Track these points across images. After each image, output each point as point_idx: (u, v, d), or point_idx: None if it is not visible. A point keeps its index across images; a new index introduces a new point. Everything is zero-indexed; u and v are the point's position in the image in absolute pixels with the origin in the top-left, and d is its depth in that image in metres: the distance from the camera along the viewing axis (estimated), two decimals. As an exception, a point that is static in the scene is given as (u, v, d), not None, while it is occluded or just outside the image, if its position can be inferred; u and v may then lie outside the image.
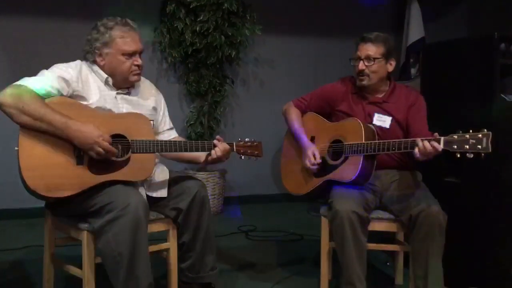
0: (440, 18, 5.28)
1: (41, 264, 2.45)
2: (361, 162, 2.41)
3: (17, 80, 2.13)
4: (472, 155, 2.06)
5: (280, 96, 3.69)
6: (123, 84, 2.34)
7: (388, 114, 2.60)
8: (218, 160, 2.38)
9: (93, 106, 2.22)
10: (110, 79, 2.30)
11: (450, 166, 2.54)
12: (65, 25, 4.19)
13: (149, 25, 4.42)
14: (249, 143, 2.46)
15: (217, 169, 4.40)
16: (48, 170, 2.07)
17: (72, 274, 2.32)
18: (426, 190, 2.53)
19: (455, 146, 2.09)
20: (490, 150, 2.03)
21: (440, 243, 2.31)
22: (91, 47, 2.28)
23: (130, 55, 2.28)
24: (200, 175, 4.27)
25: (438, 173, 2.76)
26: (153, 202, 2.34)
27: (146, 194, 2.32)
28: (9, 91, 2.07)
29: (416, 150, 2.20)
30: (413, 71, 4.88)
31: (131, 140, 2.21)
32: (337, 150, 2.57)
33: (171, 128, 2.58)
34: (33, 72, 2.20)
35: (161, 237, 2.43)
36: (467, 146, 2.06)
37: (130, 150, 2.20)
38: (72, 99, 2.20)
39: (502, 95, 2.61)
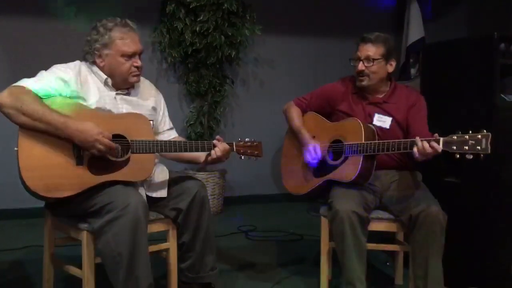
0: (440, 18, 5.28)
1: (41, 264, 2.45)
2: (361, 162, 2.41)
3: (17, 81, 2.13)
4: (471, 156, 2.06)
5: (280, 96, 3.69)
6: (122, 85, 2.34)
7: (388, 114, 2.60)
8: (218, 160, 2.38)
9: (93, 107, 2.22)
10: (109, 80, 2.30)
11: (450, 166, 2.54)
12: (65, 25, 4.18)
13: (149, 25, 4.42)
14: (249, 143, 2.46)
15: (217, 169, 4.40)
16: (48, 170, 2.07)
17: (72, 274, 2.32)
18: (426, 190, 2.53)
19: (454, 147, 2.09)
20: (489, 151, 2.03)
21: (440, 243, 2.31)
22: (90, 48, 2.28)
23: (130, 56, 2.28)
24: (200, 175, 4.27)
25: (438, 173, 2.76)
26: (153, 202, 2.34)
27: (146, 194, 2.32)
28: (7, 92, 2.07)
29: (415, 149, 2.20)
30: (413, 71, 4.88)
31: (131, 140, 2.21)
32: (337, 150, 2.57)
33: (171, 128, 2.58)
34: (33, 73, 2.20)
35: (161, 237, 2.43)
36: (466, 147, 2.06)
37: (130, 150, 2.20)
38: (71, 99, 2.20)
39: (502, 95, 2.61)
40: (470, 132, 2.08)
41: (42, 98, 2.11)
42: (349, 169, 2.46)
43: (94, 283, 2.21)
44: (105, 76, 2.29)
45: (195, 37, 4.27)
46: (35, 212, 3.03)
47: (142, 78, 2.44)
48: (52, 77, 2.16)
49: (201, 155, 2.44)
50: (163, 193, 2.39)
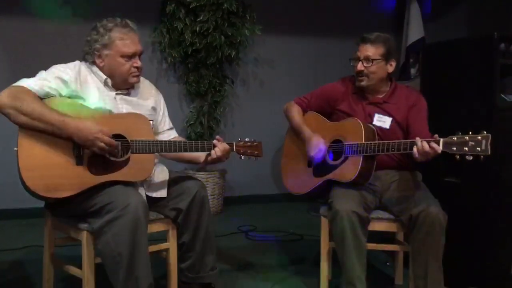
0: (440, 18, 5.28)
1: (41, 264, 2.45)
2: (361, 162, 2.41)
3: (17, 80, 2.13)
4: (471, 157, 2.06)
5: (280, 96, 3.69)
6: (122, 85, 2.34)
7: (388, 114, 2.60)
8: (218, 160, 2.38)
9: (93, 107, 2.22)
10: (109, 80, 2.30)
11: (450, 166, 2.54)
12: (65, 25, 4.18)
13: (149, 25, 4.42)
14: (249, 143, 2.46)
15: (217, 169, 4.40)
16: (48, 170, 2.07)
17: (72, 274, 2.32)
18: (426, 190, 2.53)
19: (454, 148, 2.09)
20: (489, 153, 2.03)
21: (440, 243, 2.31)
22: (90, 48, 2.27)
23: (130, 57, 2.28)
24: (200, 175, 4.26)
25: (438, 173, 2.76)
26: (152, 202, 2.34)
27: (146, 194, 2.32)
28: (7, 92, 2.07)
29: (415, 150, 2.20)
30: (412, 71, 4.88)
31: (131, 140, 2.21)
32: (337, 150, 2.57)
33: (170, 128, 2.58)
34: (33, 73, 2.20)
35: (161, 237, 2.43)
36: (466, 148, 2.06)
37: (130, 150, 2.20)
38: (71, 99, 2.20)
39: (502, 95, 2.61)
40: (470, 133, 2.08)
41: (41, 98, 2.11)
42: (349, 169, 2.46)
43: (94, 283, 2.21)
44: (105, 76, 2.29)
45: (195, 37, 4.27)
46: (35, 212, 3.03)
47: (142, 78, 2.44)
48: (52, 77, 2.16)
49: (201, 155, 2.44)
50: (163, 193, 2.39)
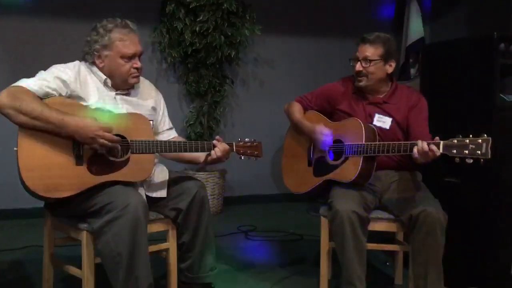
0: (440, 18, 5.28)
1: (41, 264, 2.45)
2: (361, 162, 2.41)
3: (17, 80, 2.13)
4: (471, 161, 2.06)
5: (280, 96, 3.69)
6: (122, 85, 2.34)
7: (389, 115, 2.59)
8: (218, 160, 2.38)
9: (93, 107, 2.22)
10: (108, 80, 2.30)
11: (450, 166, 2.54)
12: (65, 25, 4.19)
13: (148, 25, 4.42)
14: (248, 143, 2.46)
15: (217, 169, 4.39)
16: (48, 170, 2.07)
17: (72, 274, 2.32)
18: (426, 190, 2.53)
19: (455, 151, 2.09)
20: (489, 156, 2.03)
21: (440, 243, 2.31)
22: (90, 48, 2.27)
23: (130, 58, 2.28)
24: (200, 175, 4.26)
25: (438, 173, 2.76)
26: (152, 202, 2.34)
27: (146, 194, 2.32)
28: (6, 92, 2.07)
29: (415, 151, 2.20)
30: (412, 71, 4.88)
31: (131, 141, 2.21)
32: (338, 150, 2.57)
33: (170, 128, 2.58)
34: (33, 73, 2.20)
35: (161, 237, 2.43)
36: (466, 151, 2.06)
37: (130, 151, 2.20)
38: (71, 99, 2.20)
39: (502, 95, 2.61)
40: (471, 136, 2.07)
41: (41, 98, 2.11)
42: (349, 170, 2.46)
43: (94, 283, 2.21)
44: (105, 77, 2.29)
45: (194, 37, 4.27)
46: (35, 212, 3.03)
47: (141, 78, 2.44)
48: (51, 77, 2.16)
49: (201, 155, 2.44)
50: (162, 193, 2.39)
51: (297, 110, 2.78)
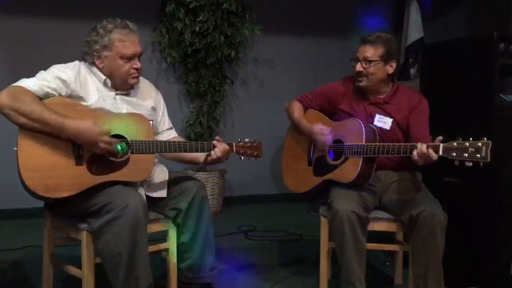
0: (440, 18, 5.28)
1: (41, 264, 2.45)
2: (360, 163, 2.40)
3: (17, 80, 2.13)
4: (471, 164, 2.06)
5: (280, 96, 3.68)
6: (121, 86, 2.33)
7: (389, 115, 2.59)
8: (218, 160, 2.38)
9: (92, 107, 2.22)
10: (108, 81, 2.30)
11: (449, 167, 2.54)
12: (65, 25, 4.19)
13: (148, 25, 4.42)
14: (248, 144, 2.46)
15: (217, 169, 4.39)
16: (48, 170, 2.07)
17: (72, 274, 2.32)
18: (426, 190, 2.53)
19: (454, 154, 2.09)
20: (489, 160, 2.02)
21: (440, 243, 2.31)
22: (90, 49, 2.27)
23: (129, 58, 2.28)
24: (200, 175, 4.26)
25: (438, 173, 2.76)
26: (152, 202, 2.34)
27: (146, 194, 2.32)
28: (6, 92, 2.06)
29: (415, 153, 2.20)
30: (412, 71, 4.87)
31: (131, 141, 2.21)
32: (338, 150, 2.57)
33: (170, 128, 2.58)
34: (33, 73, 2.20)
35: (161, 237, 2.43)
36: (466, 155, 2.06)
37: (130, 151, 2.20)
38: (70, 99, 2.20)
39: (502, 95, 2.61)
40: (471, 139, 2.07)
41: (41, 98, 2.11)
42: (349, 170, 2.46)
43: (93, 283, 2.21)
44: (104, 77, 2.29)
45: (194, 37, 4.27)
46: (35, 212, 3.03)
47: (141, 78, 2.44)
48: (51, 77, 2.16)
49: (200, 156, 2.44)
50: (162, 193, 2.39)
51: (297, 109, 2.78)
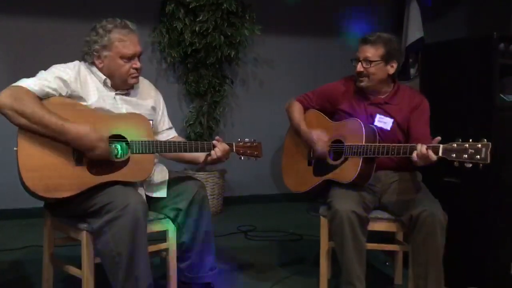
0: (440, 18, 5.28)
1: (41, 264, 2.45)
2: (360, 163, 2.40)
3: (17, 80, 2.13)
4: (470, 165, 2.06)
5: (280, 96, 3.68)
6: (121, 86, 2.33)
7: (390, 116, 2.58)
8: (218, 160, 2.38)
9: (92, 107, 2.22)
10: (108, 81, 2.30)
11: (449, 167, 2.54)
12: (65, 25, 4.19)
13: (148, 25, 4.42)
14: (248, 144, 2.46)
15: (217, 169, 4.39)
16: (47, 170, 2.07)
17: (72, 274, 2.32)
18: (426, 190, 2.53)
19: (454, 155, 2.09)
20: (488, 161, 2.02)
21: (440, 243, 2.31)
22: (89, 49, 2.27)
23: (129, 58, 2.28)
24: (200, 175, 4.26)
25: (438, 173, 2.76)
26: (152, 202, 2.34)
27: (146, 194, 2.32)
28: (7, 92, 2.06)
29: (415, 154, 2.20)
30: (412, 71, 4.87)
31: (130, 141, 2.21)
32: (337, 150, 2.57)
33: (170, 128, 2.58)
34: (33, 73, 2.20)
35: (161, 237, 2.43)
36: (466, 156, 2.05)
37: (130, 151, 2.20)
38: (70, 99, 2.20)
39: (502, 95, 2.61)
40: (471, 140, 2.07)
41: (41, 98, 2.11)
42: (349, 170, 2.46)
43: (93, 283, 2.21)
44: (104, 77, 2.29)
45: (194, 37, 4.27)
46: (35, 212, 3.03)
47: (141, 78, 2.44)
48: (52, 77, 2.16)
49: (200, 155, 2.44)
50: (162, 193, 2.39)
51: (297, 110, 2.78)
